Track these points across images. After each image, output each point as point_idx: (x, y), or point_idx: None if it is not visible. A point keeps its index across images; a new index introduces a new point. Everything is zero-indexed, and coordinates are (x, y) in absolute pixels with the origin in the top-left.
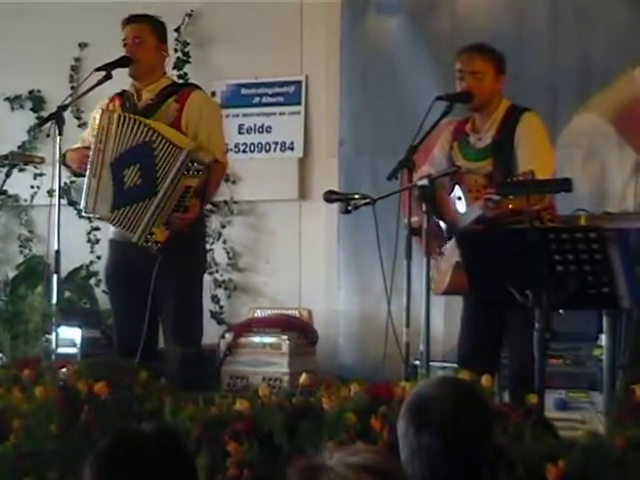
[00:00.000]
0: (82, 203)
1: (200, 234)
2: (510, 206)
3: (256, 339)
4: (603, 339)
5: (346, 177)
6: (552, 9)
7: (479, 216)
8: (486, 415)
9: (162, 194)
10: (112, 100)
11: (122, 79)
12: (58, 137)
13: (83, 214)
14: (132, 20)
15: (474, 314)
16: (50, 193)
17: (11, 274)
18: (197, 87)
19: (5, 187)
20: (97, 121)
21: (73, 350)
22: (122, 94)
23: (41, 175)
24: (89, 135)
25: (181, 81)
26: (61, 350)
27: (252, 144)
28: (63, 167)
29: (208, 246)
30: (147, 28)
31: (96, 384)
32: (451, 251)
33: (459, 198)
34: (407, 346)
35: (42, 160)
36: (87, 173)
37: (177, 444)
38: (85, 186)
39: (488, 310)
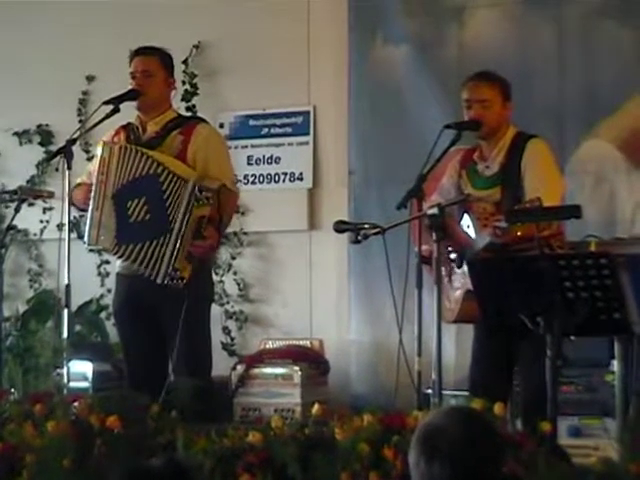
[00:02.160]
0: (85, 235)
1: (206, 265)
2: (519, 233)
3: (268, 370)
4: (615, 365)
5: (356, 207)
6: (558, 36)
7: (488, 243)
8: (497, 445)
9: (177, 230)
10: (117, 133)
11: (128, 111)
12: (67, 171)
13: (86, 246)
14: (140, 52)
15: (485, 342)
16: (60, 227)
17: (22, 309)
18: (202, 120)
19: (14, 222)
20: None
21: (85, 384)
22: (127, 126)
23: (50, 209)
24: (94, 168)
25: (189, 113)
26: (73, 384)
27: (261, 175)
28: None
29: (218, 278)
30: (155, 61)
31: (108, 418)
32: (462, 279)
33: (468, 226)
34: (419, 375)
35: (51, 194)
36: (90, 206)
37: (187, 477)
38: (88, 219)
39: (499, 337)
